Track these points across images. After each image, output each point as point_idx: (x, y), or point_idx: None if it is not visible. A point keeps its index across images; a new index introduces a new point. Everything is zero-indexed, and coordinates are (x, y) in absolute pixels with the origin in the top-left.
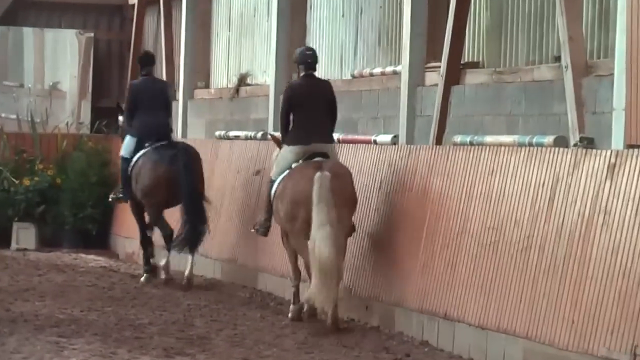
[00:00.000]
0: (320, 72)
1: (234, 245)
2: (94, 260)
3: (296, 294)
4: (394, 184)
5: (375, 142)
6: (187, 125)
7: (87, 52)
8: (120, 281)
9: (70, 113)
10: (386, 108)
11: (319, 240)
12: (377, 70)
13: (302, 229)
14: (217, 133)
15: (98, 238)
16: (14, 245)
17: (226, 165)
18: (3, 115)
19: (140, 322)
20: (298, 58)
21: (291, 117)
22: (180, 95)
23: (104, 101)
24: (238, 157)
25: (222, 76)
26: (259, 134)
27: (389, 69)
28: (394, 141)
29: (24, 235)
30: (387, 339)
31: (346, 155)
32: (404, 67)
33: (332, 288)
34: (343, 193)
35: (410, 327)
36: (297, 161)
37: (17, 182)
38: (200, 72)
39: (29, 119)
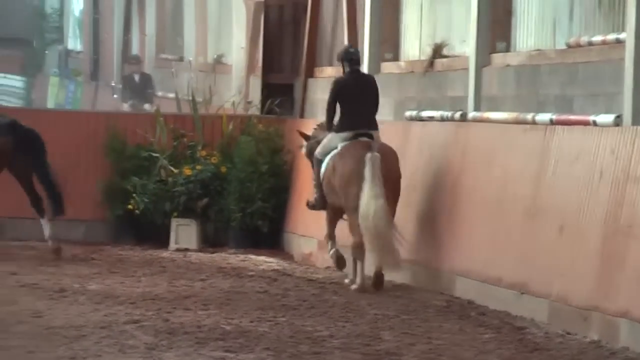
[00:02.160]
0: (529, 42)
1: (427, 246)
2: (264, 262)
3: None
4: (618, 174)
5: (594, 123)
6: None
7: (256, 19)
8: (295, 287)
9: (237, 91)
10: (607, 83)
11: (374, 211)
12: (597, 38)
13: (355, 204)
14: (407, 113)
15: (269, 236)
16: (172, 245)
17: (417, 151)
18: (160, 94)
19: (319, 335)
20: (343, 56)
21: (338, 109)
22: (364, 69)
23: (276, 77)
24: (432, 142)
25: (413, 47)
26: (457, 114)
27: (611, 36)
28: (617, 122)
29: (184, 233)
30: (609, 355)
31: (560, 140)
32: (628, 34)
33: (388, 252)
34: (390, 173)
35: (638, 342)
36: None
37: (176, 171)
38: (388, 42)
39: (190, 97)
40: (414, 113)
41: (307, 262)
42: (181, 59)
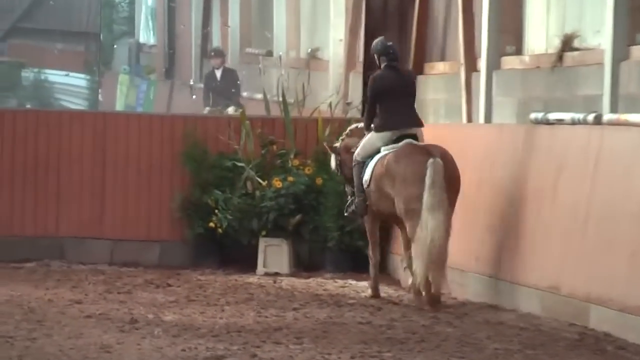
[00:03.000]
0: None
1: (556, 269)
2: (367, 288)
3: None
4: None
5: None
6: (492, 105)
7: (356, 8)
8: (402, 317)
9: (335, 90)
10: None
11: (432, 225)
12: None
13: (415, 207)
14: (532, 116)
15: None
16: (260, 269)
17: (545, 160)
18: (246, 94)
19: None
20: (380, 50)
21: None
22: (482, 64)
23: None
24: (560, 149)
25: (538, 38)
26: (590, 117)
27: None
28: None
29: (274, 255)
30: None
31: None
32: None
33: (440, 267)
34: (451, 178)
35: None
36: (385, 144)
37: (264, 183)
38: (510, 33)
39: (280, 98)
40: (539, 115)
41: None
42: (270, 54)
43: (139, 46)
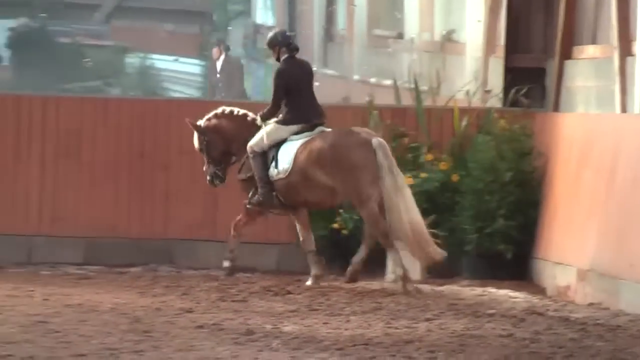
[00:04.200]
0: None
1: None
2: (508, 297)
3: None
4: None
5: None
6: None
7: None
8: (548, 329)
9: (473, 76)
10: None
11: (404, 207)
12: None
13: (370, 193)
14: None
15: (514, 264)
16: (389, 275)
17: None
18: (373, 80)
19: None
20: (281, 41)
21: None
22: (638, 47)
23: (523, 58)
24: None
25: None
26: None
27: None
28: None
29: (405, 259)
30: None
31: None
32: None
33: (428, 245)
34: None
35: None
36: (291, 135)
37: None
38: None
39: (412, 85)
40: None
41: (564, 297)
42: (400, 37)
43: (256, 28)
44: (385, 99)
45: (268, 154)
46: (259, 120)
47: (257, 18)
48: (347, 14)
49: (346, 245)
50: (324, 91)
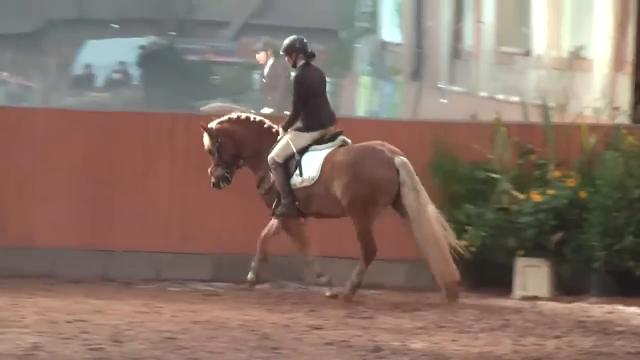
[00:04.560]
0: None
1: None
2: (637, 314)
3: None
4: None
5: None
6: None
7: (624, 1)
8: None
9: (601, 93)
10: None
11: (429, 220)
12: None
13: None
14: None
15: None
16: (517, 292)
17: None
18: (500, 97)
19: None
20: (298, 48)
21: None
22: None
23: None
24: None
25: None
26: None
27: None
28: None
29: (533, 276)
30: None
31: None
32: None
33: (447, 264)
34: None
35: None
36: (312, 143)
37: (521, 197)
38: None
39: (539, 102)
40: None
41: None
42: (527, 53)
43: (383, 45)
44: (513, 116)
45: (290, 163)
46: (280, 131)
47: (384, 35)
48: (474, 30)
49: (473, 263)
50: (451, 108)
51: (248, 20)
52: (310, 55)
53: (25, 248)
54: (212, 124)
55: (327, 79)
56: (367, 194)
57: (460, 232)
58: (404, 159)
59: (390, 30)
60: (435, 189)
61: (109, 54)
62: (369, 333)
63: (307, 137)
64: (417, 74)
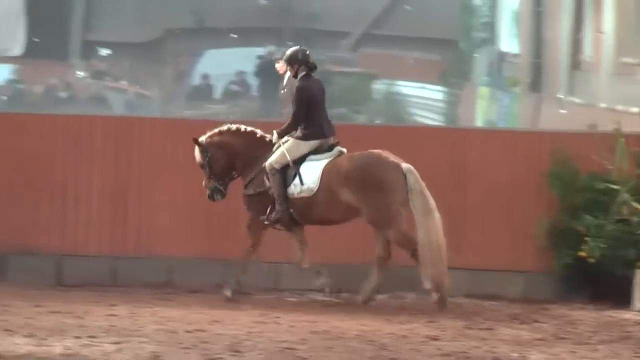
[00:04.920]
0: None
1: None
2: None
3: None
4: None
5: None
6: None
7: None
8: None
9: None
10: None
11: (435, 226)
12: None
13: (392, 215)
14: None
15: None
16: (637, 304)
17: None
18: (620, 107)
19: None
20: (301, 59)
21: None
22: None
23: None
24: None
25: None
26: None
27: None
28: None
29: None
30: None
31: None
32: None
33: (442, 269)
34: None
35: None
36: (311, 152)
37: None
38: None
39: None
40: None
41: None
42: None
43: (501, 55)
44: (632, 127)
45: (288, 172)
46: (274, 137)
47: (502, 46)
48: (593, 41)
49: (591, 275)
50: (570, 119)
51: (368, 30)
52: (312, 67)
53: (143, 257)
54: (203, 138)
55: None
56: (380, 194)
57: (578, 242)
58: (410, 165)
59: (509, 40)
60: (553, 199)
61: (227, 64)
62: (487, 344)
63: (306, 145)
64: (535, 84)
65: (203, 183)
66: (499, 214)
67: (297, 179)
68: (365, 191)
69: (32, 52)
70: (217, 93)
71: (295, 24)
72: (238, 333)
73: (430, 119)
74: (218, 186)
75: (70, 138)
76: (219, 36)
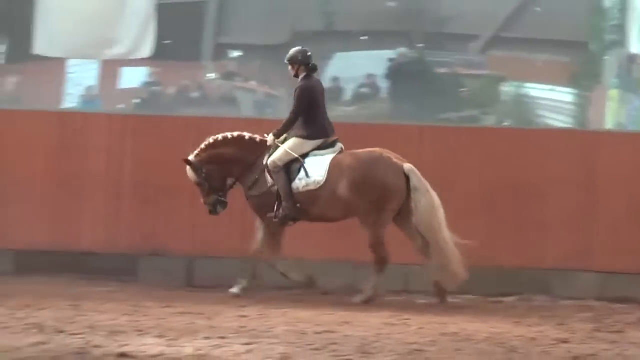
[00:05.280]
0: None
1: None
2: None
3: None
4: None
5: None
6: None
7: None
8: None
9: None
10: None
11: (439, 223)
12: None
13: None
14: None
15: None
16: None
17: None
18: None
19: None
20: (301, 60)
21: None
22: None
23: None
24: None
25: None
26: None
27: None
28: None
29: None
30: None
31: None
32: None
33: (456, 264)
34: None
35: None
36: (313, 149)
37: None
38: None
39: None
40: None
41: None
42: None
43: (631, 58)
44: None
45: (292, 167)
46: (270, 138)
47: (632, 48)
48: None
49: None
50: None
51: (497, 33)
52: (312, 68)
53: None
54: (192, 157)
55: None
56: (377, 197)
57: None
58: (411, 165)
59: (639, 43)
60: None
61: (356, 67)
62: (617, 347)
63: (310, 144)
64: None
65: (202, 201)
66: (630, 217)
67: (302, 173)
68: (364, 190)
69: (164, 54)
70: (347, 95)
71: (425, 27)
72: (367, 335)
73: (560, 121)
74: (220, 198)
75: (200, 140)
76: (348, 39)
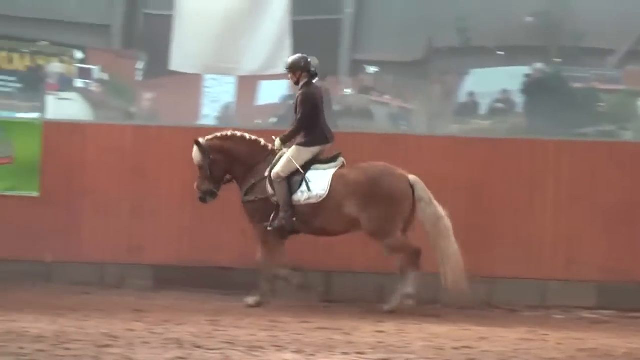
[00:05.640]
0: None
1: None
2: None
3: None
4: None
5: None
6: None
7: None
8: None
9: None
10: None
11: (443, 232)
12: None
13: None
14: None
15: None
16: None
17: None
18: None
19: None
20: (302, 66)
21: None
22: None
23: None
24: None
25: None
26: None
27: None
28: None
29: None
30: None
31: None
32: None
33: (460, 273)
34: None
35: None
36: (313, 158)
37: None
38: None
39: None
40: None
41: None
42: None
43: None
44: None
45: (294, 179)
46: (277, 143)
47: None
48: None
49: None
50: None
51: (633, 47)
52: (313, 75)
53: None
54: (202, 140)
55: None
56: (386, 208)
57: None
58: (415, 176)
59: None
60: None
61: (492, 82)
62: None
63: (309, 152)
64: None
65: (195, 185)
66: None
67: (304, 186)
68: (371, 203)
69: None
70: (483, 110)
71: (562, 41)
72: (505, 350)
73: None
74: (213, 189)
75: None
76: (484, 55)
